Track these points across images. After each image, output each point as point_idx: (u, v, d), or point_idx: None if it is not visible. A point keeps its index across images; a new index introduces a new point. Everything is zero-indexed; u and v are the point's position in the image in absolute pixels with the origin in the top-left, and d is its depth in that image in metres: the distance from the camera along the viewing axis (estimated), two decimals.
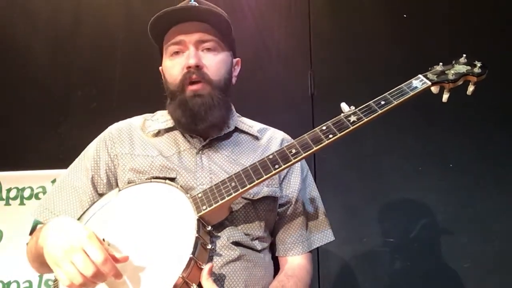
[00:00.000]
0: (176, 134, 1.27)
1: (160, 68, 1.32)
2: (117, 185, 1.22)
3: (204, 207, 1.04)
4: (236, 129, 1.31)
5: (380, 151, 2.18)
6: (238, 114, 1.37)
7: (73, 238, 0.91)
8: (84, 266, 0.88)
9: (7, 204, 2.32)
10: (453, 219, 2.09)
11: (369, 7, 2.37)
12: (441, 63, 1.15)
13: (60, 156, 2.34)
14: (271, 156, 1.08)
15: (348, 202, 2.16)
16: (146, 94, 2.23)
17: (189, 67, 1.18)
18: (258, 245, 1.19)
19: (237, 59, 1.35)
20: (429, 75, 1.13)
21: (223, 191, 1.06)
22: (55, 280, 1.04)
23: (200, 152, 1.22)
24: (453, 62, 1.16)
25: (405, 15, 2.33)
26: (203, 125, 1.19)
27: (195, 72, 1.18)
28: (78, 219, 1.12)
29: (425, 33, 2.29)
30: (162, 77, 1.30)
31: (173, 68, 1.22)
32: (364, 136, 2.18)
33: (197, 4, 1.23)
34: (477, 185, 2.10)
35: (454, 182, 2.12)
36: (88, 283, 0.90)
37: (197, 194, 1.07)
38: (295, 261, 1.26)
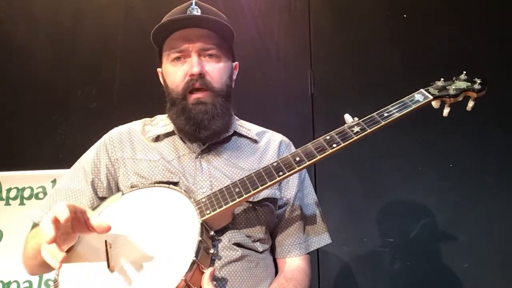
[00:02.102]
0: (175, 139, 1.27)
1: (158, 70, 1.32)
2: (117, 189, 1.22)
3: (208, 212, 1.05)
4: (235, 133, 1.31)
5: (380, 152, 2.18)
6: (236, 118, 1.38)
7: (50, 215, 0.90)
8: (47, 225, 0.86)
9: (7, 204, 2.32)
10: (453, 219, 2.09)
11: (369, 7, 2.37)
12: (442, 79, 1.20)
13: (60, 156, 2.34)
14: (275, 164, 1.09)
15: (348, 202, 2.16)
16: (146, 94, 2.24)
17: (192, 75, 1.18)
18: (259, 246, 1.20)
19: (236, 63, 1.35)
20: (431, 89, 1.17)
21: (227, 196, 1.07)
22: (55, 281, 1.04)
23: (199, 156, 1.23)
24: (454, 78, 1.21)
25: (405, 15, 2.33)
26: (206, 133, 1.20)
27: (198, 80, 1.18)
28: None
29: (425, 33, 2.29)
30: (161, 79, 1.31)
31: (175, 74, 1.22)
32: (364, 137, 2.18)
33: (199, 10, 1.23)
34: (477, 185, 2.11)
35: (454, 182, 2.12)
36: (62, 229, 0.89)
37: (201, 199, 1.08)
38: (294, 264, 1.26)
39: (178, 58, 1.21)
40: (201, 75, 1.18)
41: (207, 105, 1.19)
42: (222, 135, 1.26)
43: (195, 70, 1.17)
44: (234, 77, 1.34)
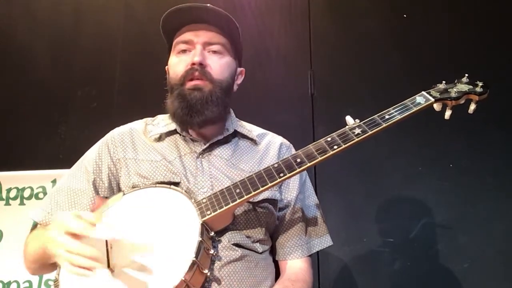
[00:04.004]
0: (177, 138, 1.27)
1: (166, 67, 1.32)
2: (118, 189, 1.22)
3: (208, 212, 1.05)
4: (236, 134, 1.31)
5: (380, 151, 2.18)
6: (237, 119, 1.38)
7: (59, 225, 0.94)
8: (68, 241, 0.90)
9: (7, 204, 2.32)
10: (453, 219, 2.09)
11: (369, 7, 2.37)
12: (444, 81, 1.20)
13: (60, 156, 2.34)
14: (276, 165, 1.10)
15: (348, 202, 2.16)
16: (146, 94, 2.24)
17: (193, 64, 1.20)
18: (259, 247, 1.20)
19: (242, 69, 1.36)
20: (432, 92, 1.18)
21: (228, 197, 1.07)
22: (56, 280, 1.04)
23: (200, 156, 1.23)
24: (455, 81, 1.21)
25: (405, 15, 2.33)
26: (199, 118, 1.20)
27: (198, 70, 1.20)
28: None
29: (425, 33, 2.29)
30: (167, 75, 1.31)
31: (178, 65, 1.23)
32: (365, 139, 2.18)
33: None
34: (477, 185, 2.10)
35: (454, 182, 2.12)
36: (84, 261, 0.89)
37: (202, 200, 1.08)
38: (297, 265, 1.26)
39: (183, 51, 1.24)
40: (202, 65, 1.20)
41: (203, 92, 1.19)
42: (222, 133, 1.27)
43: (196, 59, 1.19)
44: (238, 82, 1.35)
